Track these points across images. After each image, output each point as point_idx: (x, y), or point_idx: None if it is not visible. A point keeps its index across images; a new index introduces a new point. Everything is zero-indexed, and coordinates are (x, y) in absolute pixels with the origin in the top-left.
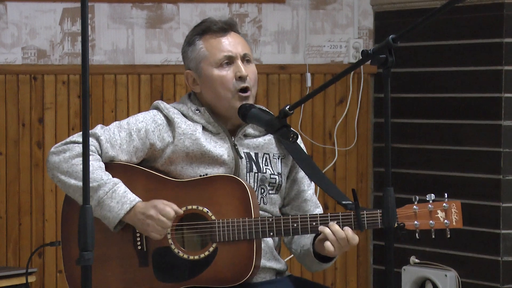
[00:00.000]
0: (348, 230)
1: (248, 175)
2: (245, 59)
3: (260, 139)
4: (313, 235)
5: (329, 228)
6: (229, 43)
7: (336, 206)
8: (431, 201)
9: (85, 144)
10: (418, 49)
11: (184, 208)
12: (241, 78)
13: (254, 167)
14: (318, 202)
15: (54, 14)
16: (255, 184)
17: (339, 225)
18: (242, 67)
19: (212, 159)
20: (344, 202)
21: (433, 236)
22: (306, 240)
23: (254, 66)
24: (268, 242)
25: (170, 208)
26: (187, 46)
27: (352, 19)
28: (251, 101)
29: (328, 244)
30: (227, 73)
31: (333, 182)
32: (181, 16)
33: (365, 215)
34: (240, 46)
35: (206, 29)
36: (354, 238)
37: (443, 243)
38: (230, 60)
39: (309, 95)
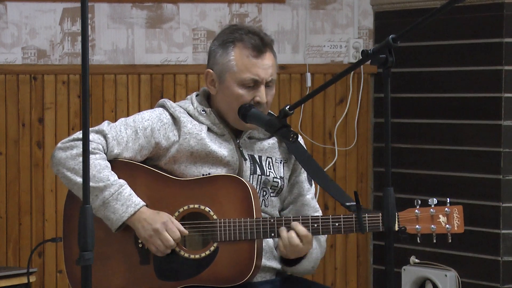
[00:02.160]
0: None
1: (251, 177)
2: (268, 84)
3: (265, 143)
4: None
5: (287, 231)
6: (260, 67)
7: (336, 207)
8: (433, 206)
9: (85, 144)
10: (418, 49)
11: (186, 207)
12: (258, 103)
13: (258, 169)
14: (318, 206)
15: (54, 14)
16: (258, 187)
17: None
18: (264, 93)
19: (216, 160)
20: (347, 204)
21: (434, 241)
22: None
23: (274, 89)
24: (269, 241)
25: (177, 231)
26: (218, 47)
27: (352, 19)
28: None
29: (280, 244)
30: (247, 94)
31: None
32: (181, 16)
33: (366, 218)
34: (269, 72)
35: (242, 40)
36: (307, 236)
37: (443, 243)
38: (255, 84)
39: (309, 95)
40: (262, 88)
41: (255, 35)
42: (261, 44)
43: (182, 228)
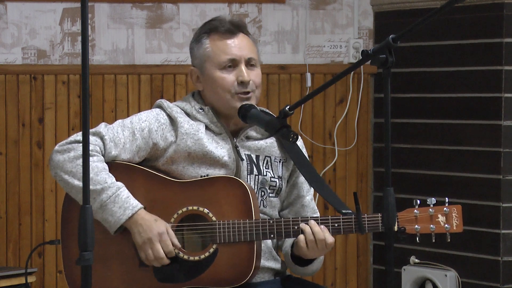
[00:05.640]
0: (325, 230)
1: (248, 177)
2: (250, 63)
3: (262, 142)
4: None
5: (310, 227)
6: (235, 46)
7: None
8: (432, 205)
9: (85, 144)
10: (418, 49)
11: (184, 209)
12: (242, 83)
13: (254, 169)
14: (316, 208)
15: (54, 14)
16: (256, 187)
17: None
18: (245, 71)
19: (213, 160)
20: (344, 211)
21: (433, 240)
22: (288, 242)
23: (259, 70)
24: (267, 242)
25: (171, 245)
26: (194, 42)
27: (352, 19)
28: (253, 102)
29: (301, 238)
30: (229, 76)
31: (333, 182)
32: (181, 16)
33: (366, 219)
34: (245, 50)
35: (214, 28)
36: (330, 239)
37: (443, 243)
38: (233, 64)
39: (309, 95)
40: (242, 67)
41: (225, 21)
42: (232, 27)
43: (176, 241)
